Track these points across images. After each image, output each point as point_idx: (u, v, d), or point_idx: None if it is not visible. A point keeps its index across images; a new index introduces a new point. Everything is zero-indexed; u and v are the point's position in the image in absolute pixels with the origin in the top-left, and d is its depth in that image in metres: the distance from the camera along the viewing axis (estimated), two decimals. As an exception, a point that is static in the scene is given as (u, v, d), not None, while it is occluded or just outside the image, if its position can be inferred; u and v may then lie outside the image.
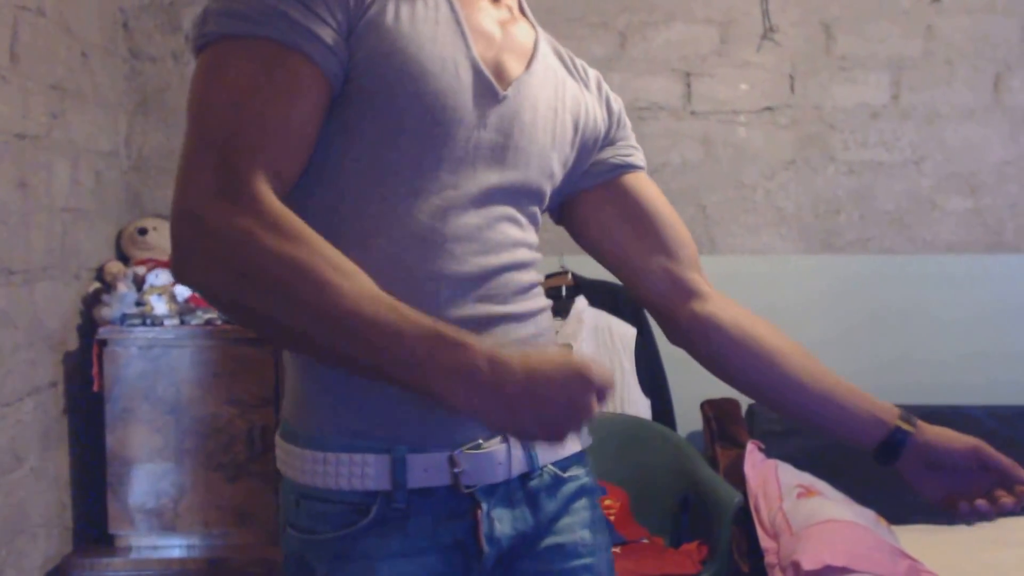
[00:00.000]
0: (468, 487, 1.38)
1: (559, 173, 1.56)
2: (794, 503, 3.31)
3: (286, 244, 1.17)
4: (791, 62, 4.24)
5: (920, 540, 3.42)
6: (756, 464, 3.60)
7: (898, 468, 1.59)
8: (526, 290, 1.48)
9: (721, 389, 3.99)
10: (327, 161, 1.35)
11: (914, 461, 1.58)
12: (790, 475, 3.52)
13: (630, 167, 1.66)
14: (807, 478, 3.53)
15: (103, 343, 3.42)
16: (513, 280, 1.45)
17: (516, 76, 1.48)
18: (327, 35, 1.27)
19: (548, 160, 1.52)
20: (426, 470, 1.36)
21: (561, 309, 3.86)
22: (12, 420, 3.06)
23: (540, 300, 1.53)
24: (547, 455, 1.50)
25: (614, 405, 3.83)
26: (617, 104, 1.70)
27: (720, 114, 4.25)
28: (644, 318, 3.86)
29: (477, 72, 1.41)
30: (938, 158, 4.27)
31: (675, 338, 1.69)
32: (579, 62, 1.68)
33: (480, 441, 1.39)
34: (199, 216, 1.18)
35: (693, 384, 3.65)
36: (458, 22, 1.41)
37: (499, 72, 1.45)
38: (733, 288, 4.09)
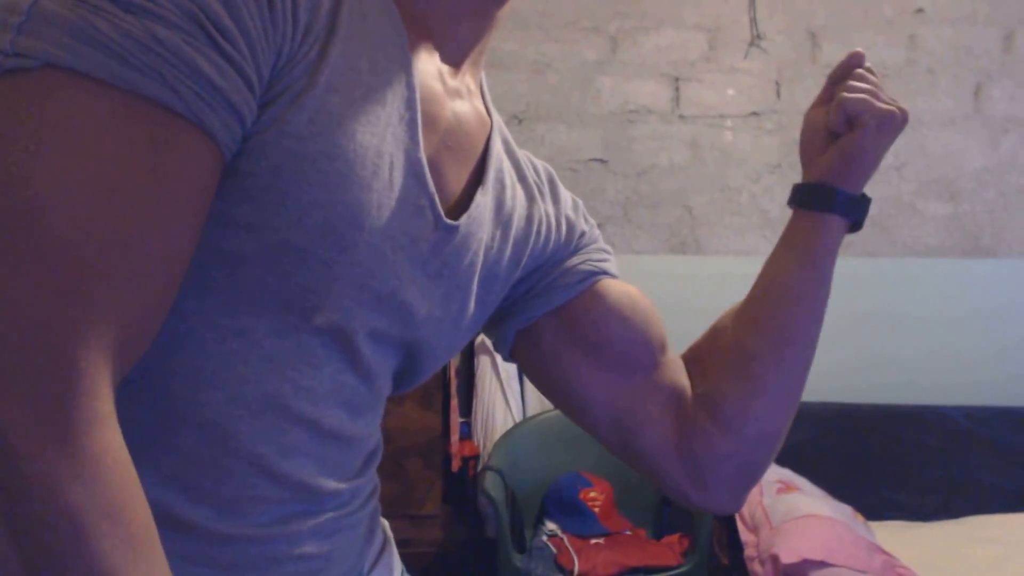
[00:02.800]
0: None
1: (469, 333, 1.15)
2: (774, 498, 3.37)
3: (118, 548, 0.72)
4: (777, 69, 4.31)
5: (895, 536, 3.48)
6: (737, 460, 3.65)
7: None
8: None
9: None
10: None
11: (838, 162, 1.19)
12: (770, 471, 3.57)
13: (603, 274, 1.23)
14: (786, 474, 3.59)
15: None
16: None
17: (457, 189, 1.05)
18: (243, 101, 0.79)
19: (464, 318, 1.11)
20: None
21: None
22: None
23: None
24: None
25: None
26: (577, 208, 1.27)
27: (708, 118, 4.30)
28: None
29: (420, 185, 0.96)
30: (919, 164, 4.34)
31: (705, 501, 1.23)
32: (526, 157, 1.23)
33: None
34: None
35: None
36: (411, 104, 0.95)
37: (441, 184, 1.01)
38: (718, 289, 4.18)
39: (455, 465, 3.84)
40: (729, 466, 1.19)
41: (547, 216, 1.20)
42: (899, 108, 1.15)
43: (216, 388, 0.87)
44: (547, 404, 4.03)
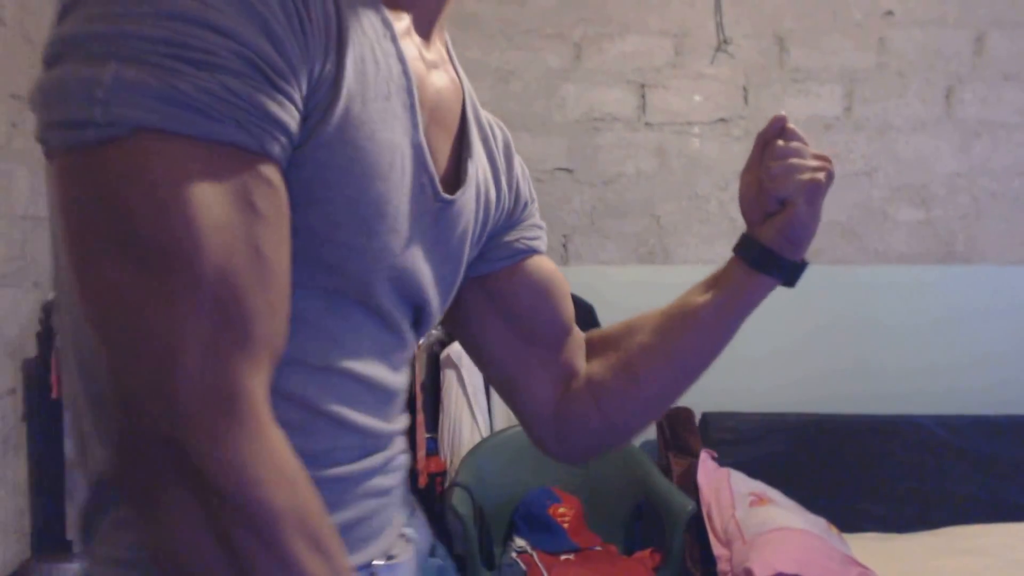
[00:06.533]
0: None
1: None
2: (746, 511, 3.34)
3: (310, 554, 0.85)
4: (745, 74, 4.28)
5: (870, 548, 3.46)
6: (709, 473, 3.62)
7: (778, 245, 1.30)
8: None
9: (675, 398, 4.03)
10: None
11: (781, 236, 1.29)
12: (743, 483, 3.55)
13: (533, 252, 1.35)
14: (759, 486, 3.56)
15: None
16: None
17: (446, 162, 1.14)
18: (294, 123, 0.87)
19: (456, 279, 1.24)
20: None
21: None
22: (-36, 429, 3.04)
23: None
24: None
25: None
26: (525, 175, 1.37)
27: (674, 125, 4.27)
28: (596, 321, 3.85)
29: (422, 165, 1.06)
30: (890, 169, 4.32)
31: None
32: (487, 120, 1.29)
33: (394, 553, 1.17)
34: (179, 444, 0.79)
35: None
36: (409, 91, 1.02)
37: (436, 160, 1.10)
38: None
39: (422, 482, 3.78)
40: (593, 438, 1.39)
41: (505, 185, 1.30)
42: (823, 171, 1.26)
43: (288, 363, 0.94)
44: (515, 419, 3.97)
